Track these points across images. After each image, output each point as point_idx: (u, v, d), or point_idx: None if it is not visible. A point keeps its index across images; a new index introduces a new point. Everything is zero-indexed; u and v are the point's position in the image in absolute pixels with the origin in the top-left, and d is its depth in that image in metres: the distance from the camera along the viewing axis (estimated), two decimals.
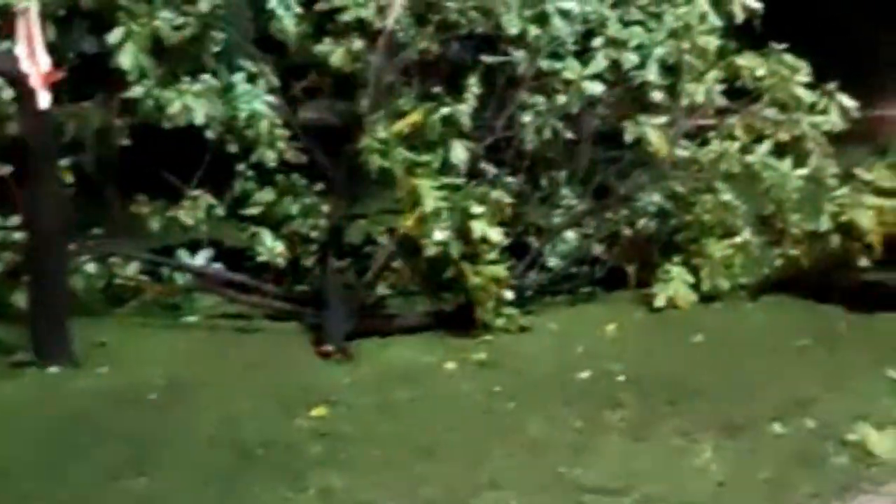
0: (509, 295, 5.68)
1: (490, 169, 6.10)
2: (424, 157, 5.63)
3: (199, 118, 5.60)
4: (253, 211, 6.28)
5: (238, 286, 5.99)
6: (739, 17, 6.08)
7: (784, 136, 6.27)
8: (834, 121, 6.27)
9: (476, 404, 4.67)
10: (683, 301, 6.14)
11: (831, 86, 6.26)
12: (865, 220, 6.13)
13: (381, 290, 6.12)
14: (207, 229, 6.18)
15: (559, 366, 5.14)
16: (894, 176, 6.41)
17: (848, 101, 6.28)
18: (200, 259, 6.06)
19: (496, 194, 5.70)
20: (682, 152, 6.25)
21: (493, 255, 5.64)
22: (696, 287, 6.24)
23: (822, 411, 4.41)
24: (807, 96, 6.22)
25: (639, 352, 5.35)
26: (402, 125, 5.66)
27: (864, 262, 6.30)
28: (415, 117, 5.69)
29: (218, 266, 6.11)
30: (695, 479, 3.81)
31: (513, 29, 5.66)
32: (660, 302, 6.11)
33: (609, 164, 6.35)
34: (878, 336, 5.56)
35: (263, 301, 6.00)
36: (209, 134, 5.75)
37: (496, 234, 5.56)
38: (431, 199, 5.40)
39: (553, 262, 6.38)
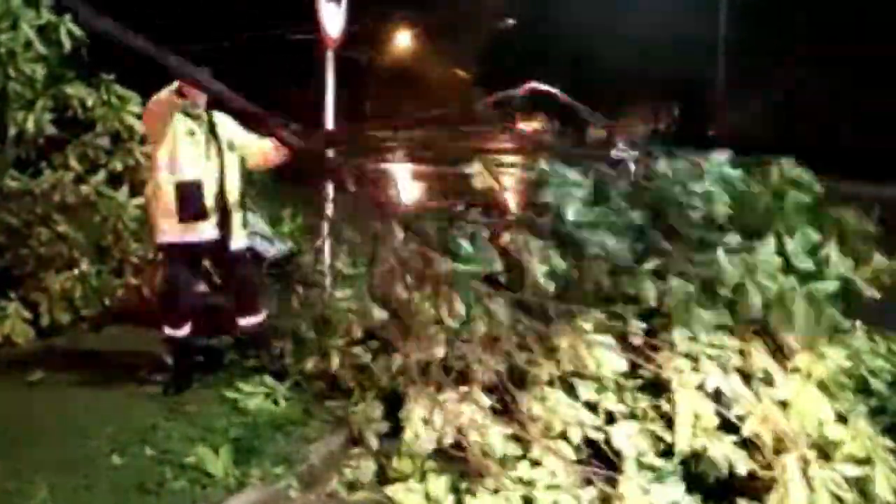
0: None
1: None
2: None
3: None
4: None
5: None
6: (67, 45, 5.98)
7: (118, 165, 6.35)
8: None
9: None
10: (21, 338, 5.93)
11: None
12: None
13: None
14: None
15: None
16: None
17: None
18: None
19: None
20: (13, 183, 6.02)
21: None
22: (34, 322, 6.06)
23: (162, 438, 4.48)
24: (139, 126, 6.34)
25: None
26: None
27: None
28: None
29: None
30: None
31: None
32: None
33: None
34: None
35: None
36: None
37: None
38: None
39: None
